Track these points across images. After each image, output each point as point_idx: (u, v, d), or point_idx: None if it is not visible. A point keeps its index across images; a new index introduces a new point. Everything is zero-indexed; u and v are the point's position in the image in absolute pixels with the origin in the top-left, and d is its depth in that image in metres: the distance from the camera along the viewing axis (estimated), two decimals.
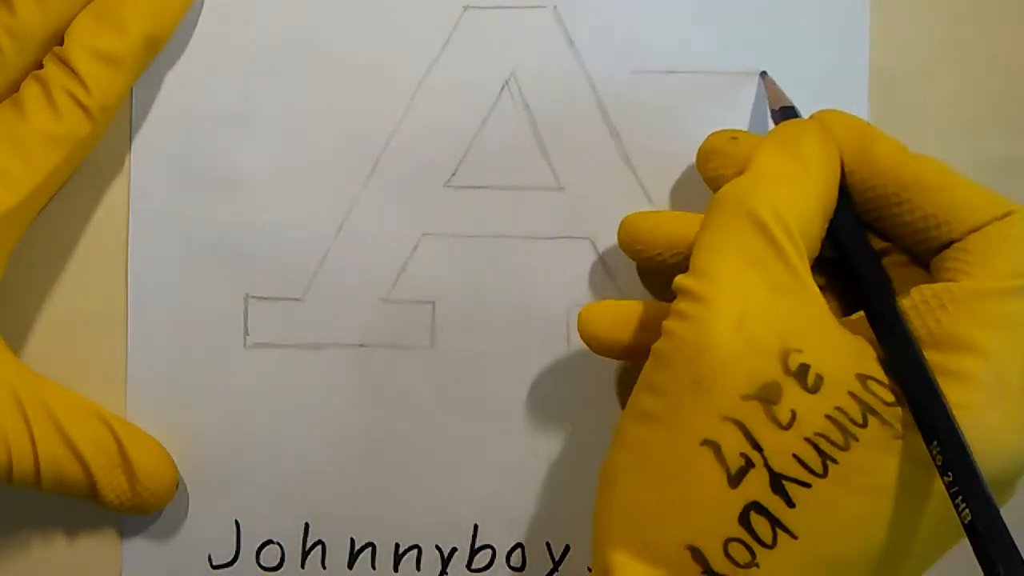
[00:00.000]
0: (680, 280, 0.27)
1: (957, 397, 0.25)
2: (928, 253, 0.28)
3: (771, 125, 0.32)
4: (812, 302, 0.27)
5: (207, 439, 0.34)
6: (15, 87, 0.32)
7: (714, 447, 0.25)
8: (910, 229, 0.28)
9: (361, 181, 0.34)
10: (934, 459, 0.24)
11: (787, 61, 0.34)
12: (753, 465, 0.25)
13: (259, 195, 0.34)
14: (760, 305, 0.26)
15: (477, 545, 0.35)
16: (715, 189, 0.30)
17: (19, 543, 0.35)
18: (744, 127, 0.34)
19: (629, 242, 0.32)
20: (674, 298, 0.28)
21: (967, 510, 0.23)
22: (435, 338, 0.34)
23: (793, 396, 0.25)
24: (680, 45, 0.34)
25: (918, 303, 0.27)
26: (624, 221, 0.32)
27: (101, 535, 0.35)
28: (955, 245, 0.28)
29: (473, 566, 0.35)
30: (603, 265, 0.34)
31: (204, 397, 0.34)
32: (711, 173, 0.31)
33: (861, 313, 0.28)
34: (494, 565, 0.35)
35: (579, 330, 0.31)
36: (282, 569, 0.35)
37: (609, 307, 0.31)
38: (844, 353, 0.26)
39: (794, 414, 0.25)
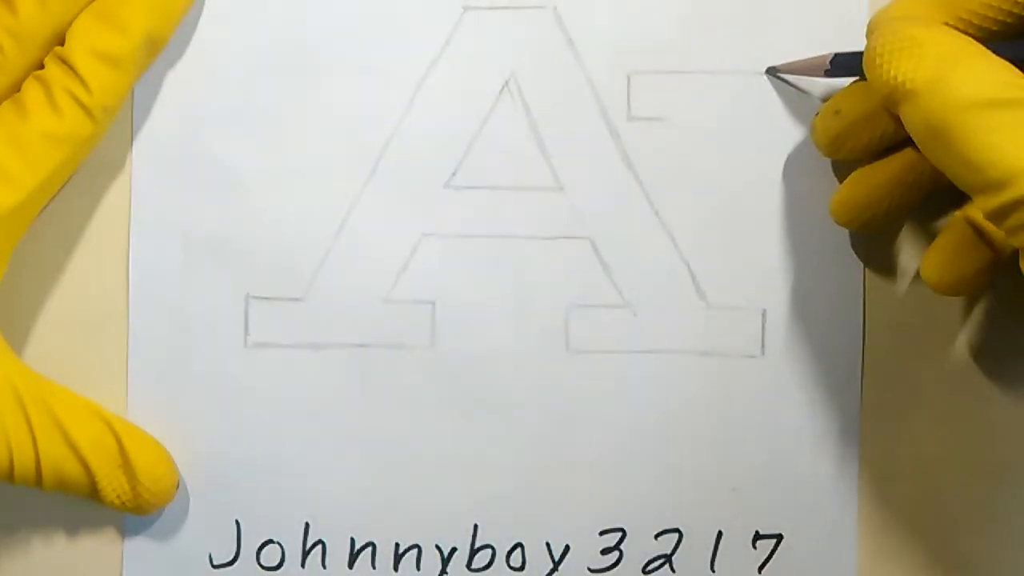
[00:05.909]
0: (988, 205, 0.25)
1: None
2: None
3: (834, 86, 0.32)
4: None
5: (207, 439, 0.34)
6: (16, 87, 0.32)
7: None
8: None
9: (361, 181, 0.34)
10: None
11: (787, 62, 0.34)
12: None
13: (259, 195, 0.34)
14: None
15: (477, 545, 0.35)
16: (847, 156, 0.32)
17: (19, 543, 0.35)
18: (744, 128, 0.34)
19: (850, 217, 0.32)
20: None
21: None
22: (435, 338, 0.34)
23: None
24: (680, 45, 0.34)
25: None
26: (834, 201, 0.32)
27: (101, 535, 0.35)
28: None
29: (473, 566, 0.35)
30: (603, 265, 0.34)
31: (204, 397, 0.34)
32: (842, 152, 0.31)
33: None
34: (494, 565, 0.35)
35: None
36: (282, 569, 0.35)
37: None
38: None
39: None
